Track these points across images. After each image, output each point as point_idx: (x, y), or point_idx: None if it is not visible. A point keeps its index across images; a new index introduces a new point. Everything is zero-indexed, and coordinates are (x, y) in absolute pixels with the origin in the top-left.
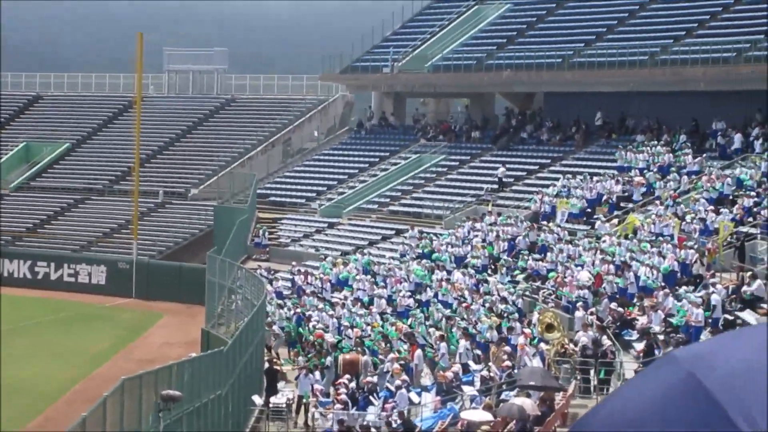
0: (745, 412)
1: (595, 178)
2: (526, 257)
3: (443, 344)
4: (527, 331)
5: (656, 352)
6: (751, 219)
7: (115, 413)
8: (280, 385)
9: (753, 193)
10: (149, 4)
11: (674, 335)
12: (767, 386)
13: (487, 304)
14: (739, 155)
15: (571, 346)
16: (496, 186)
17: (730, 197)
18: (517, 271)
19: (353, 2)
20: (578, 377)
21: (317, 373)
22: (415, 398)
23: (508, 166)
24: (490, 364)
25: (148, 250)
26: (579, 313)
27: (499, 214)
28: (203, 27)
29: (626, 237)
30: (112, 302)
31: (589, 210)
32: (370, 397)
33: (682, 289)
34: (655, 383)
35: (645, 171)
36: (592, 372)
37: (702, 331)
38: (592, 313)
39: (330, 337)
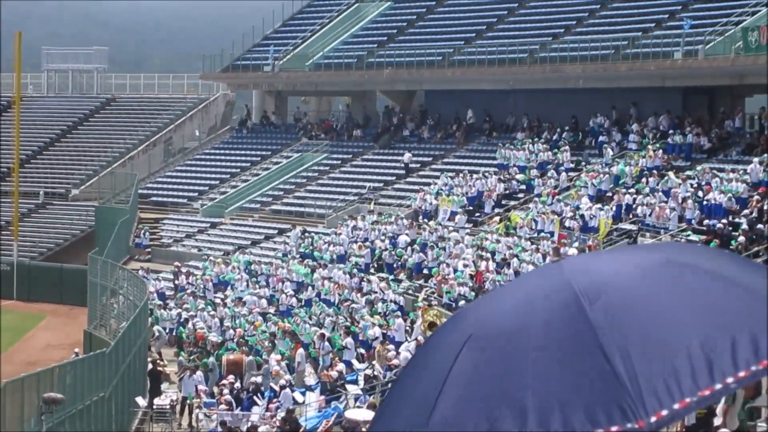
0: (621, 347)
1: (475, 176)
2: (407, 256)
3: (326, 343)
4: None
5: None
6: (630, 216)
7: None
8: (164, 386)
9: (633, 190)
10: (25, 3)
11: None
12: (646, 319)
13: (369, 303)
14: (617, 152)
15: None
16: (402, 171)
17: (609, 194)
18: (400, 270)
19: (233, 1)
20: None
21: (200, 374)
22: (299, 398)
23: (389, 164)
24: (374, 362)
25: (29, 251)
26: None
27: (380, 213)
28: (81, 26)
29: (507, 234)
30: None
31: (470, 208)
32: (255, 397)
33: None
34: (543, 299)
35: (525, 169)
36: None
37: None
38: None
39: (213, 337)
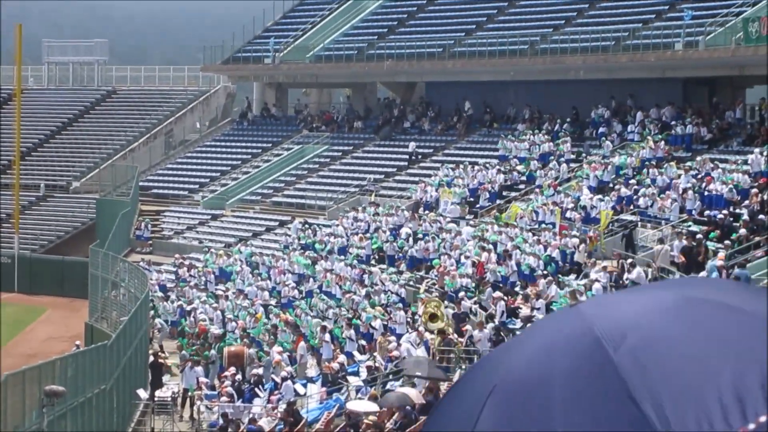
0: (651, 392)
1: (476, 167)
2: (408, 247)
3: (327, 335)
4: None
5: None
6: (631, 206)
7: None
8: (165, 378)
9: (633, 182)
10: None
11: None
12: (673, 361)
13: (370, 295)
14: (617, 143)
15: (456, 336)
16: (407, 161)
17: (610, 185)
18: (400, 261)
19: None
20: (463, 366)
21: (200, 368)
22: (300, 389)
23: (389, 156)
24: (375, 354)
25: (30, 244)
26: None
27: (377, 205)
28: (82, 18)
29: (507, 225)
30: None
31: (471, 199)
32: (256, 389)
33: (571, 277)
34: (565, 346)
35: (525, 160)
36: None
37: None
38: (475, 303)
39: (215, 330)
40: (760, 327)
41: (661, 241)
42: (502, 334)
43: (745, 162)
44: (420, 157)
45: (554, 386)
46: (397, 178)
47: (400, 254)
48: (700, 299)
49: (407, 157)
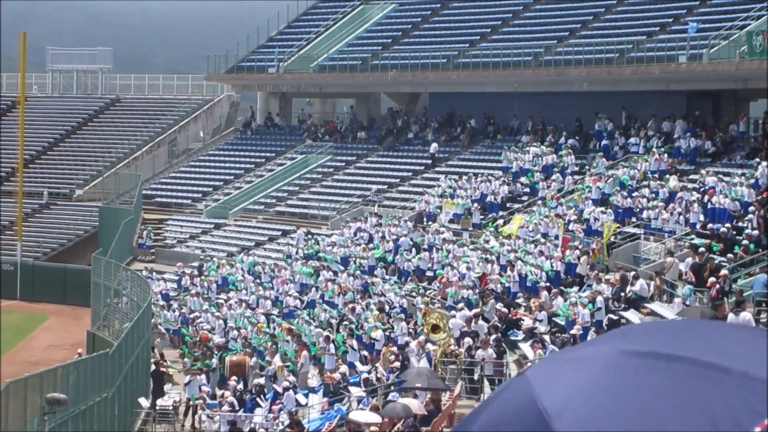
0: None
1: (479, 179)
2: (410, 258)
3: (331, 345)
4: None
5: (542, 351)
6: (633, 219)
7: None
8: (167, 387)
9: (636, 194)
10: (30, 3)
11: (560, 335)
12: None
13: (373, 305)
14: (621, 156)
15: (455, 347)
16: (429, 162)
17: (612, 198)
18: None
19: (238, 2)
20: (464, 377)
21: (203, 376)
22: (302, 399)
23: (393, 166)
24: (377, 365)
25: (33, 251)
26: (464, 313)
27: (379, 216)
28: (85, 26)
29: (508, 237)
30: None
31: (474, 209)
32: (258, 399)
33: (573, 289)
34: (510, 422)
35: (528, 172)
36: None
37: (588, 331)
38: (476, 315)
39: (217, 338)
40: (700, 374)
41: (670, 253)
42: (503, 345)
43: (751, 175)
44: (423, 168)
45: None
46: (400, 188)
47: (405, 266)
48: (634, 352)
49: (429, 158)
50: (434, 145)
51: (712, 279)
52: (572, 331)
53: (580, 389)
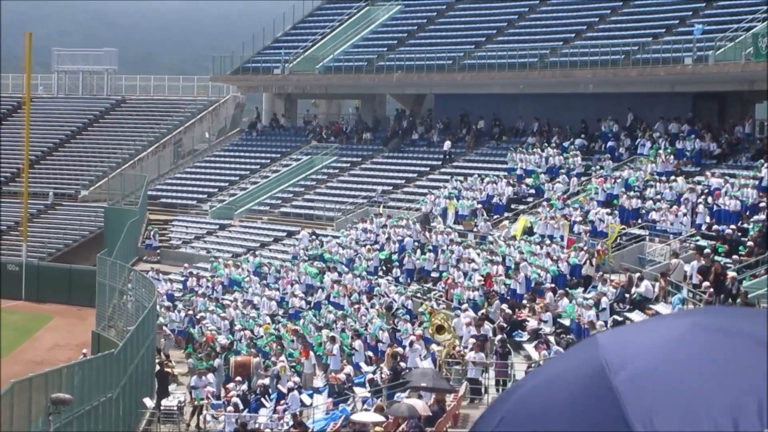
0: (645, 414)
1: (485, 180)
2: (415, 258)
3: (335, 346)
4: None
5: (547, 353)
6: (638, 220)
7: (4, 417)
8: (172, 387)
9: (643, 195)
10: (35, 2)
11: (564, 336)
12: (674, 386)
13: (378, 306)
14: (627, 157)
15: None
16: (441, 160)
17: (618, 199)
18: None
19: (243, 4)
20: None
21: (210, 376)
22: (306, 400)
23: (398, 167)
24: (382, 366)
25: (38, 252)
26: (468, 314)
27: (389, 216)
28: (91, 27)
29: (513, 238)
30: (1, 305)
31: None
32: (262, 399)
33: (579, 290)
34: (570, 374)
35: (533, 173)
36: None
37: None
38: (482, 315)
39: (222, 339)
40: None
41: (675, 254)
42: (508, 346)
43: (754, 177)
44: (428, 169)
45: (557, 415)
46: (405, 189)
47: (410, 266)
48: (709, 326)
49: (442, 156)
50: (447, 142)
51: (706, 284)
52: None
53: (646, 350)
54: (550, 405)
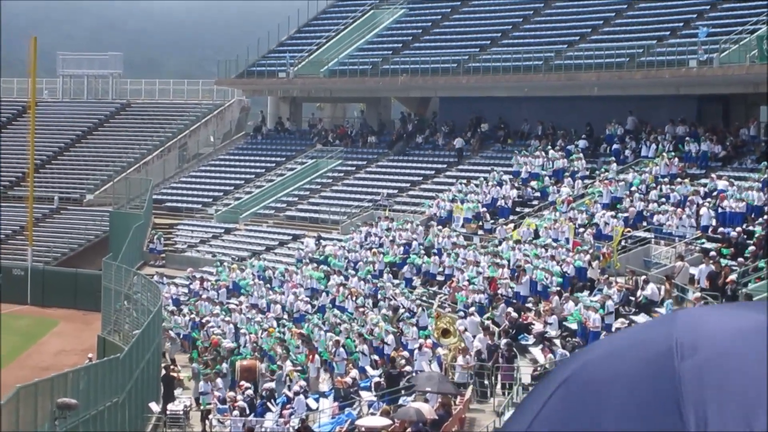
0: (700, 409)
1: (490, 183)
2: (421, 262)
3: (341, 349)
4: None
5: (552, 356)
6: (643, 223)
7: (10, 422)
8: (177, 391)
9: (647, 198)
10: (40, 6)
11: (570, 339)
12: (738, 383)
13: (383, 310)
14: (632, 160)
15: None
16: (456, 158)
17: (623, 202)
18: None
19: (248, 6)
20: (475, 381)
21: (219, 380)
22: (312, 404)
23: (403, 171)
24: (389, 369)
25: (44, 256)
26: (474, 319)
27: (392, 220)
28: (96, 31)
29: (518, 241)
30: (7, 309)
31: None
32: (268, 404)
33: (584, 294)
34: (641, 349)
35: (539, 176)
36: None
37: (599, 336)
38: (488, 318)
39: (228, 343)
40: None
41: (680, 257)
42: (514, 350)
43: (759, 179)
44: (434, 173)
45: (616, 387)
46: (410, 193)
47: (415, 270)
48: None
49: (455, 154)
50: (459, 140)
51: (697, 296)
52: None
53: (718, 338)
54: (615, 375)
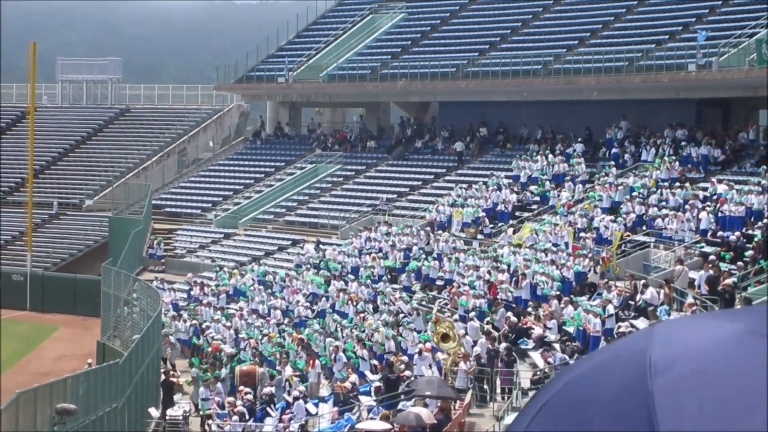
0: (675, 427)
1: (490, 188)
2: (421, 266)
3: (341, 354)
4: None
5: (550, 360)
6: (643, 227)
7: (10, 427)
8: (177, 397)
9: (647, 202)
10: (39, 12)
11: (570, 343)
12: (712, 397)
13: (383, 315)
14: (631, 164)
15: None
16: (454, 163)
17: (623, 206)
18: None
19: (247, 11)
20: (474, 385)
21: (219, 385)
22: (312, 409)
23: (403, 175)
24: (388, 374)
25: (43, 261)
26: (474, 324)
27: (390, 225)
28: (95, 36)
29: (519, 246)
30: (6, 315)
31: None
32: (268, 409)
33: (584, 297)
34: (618, 367)
35: (539, 180)
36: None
37: (599, 341)
38: (488, 322)
39: (228, 348)
40: None
41: (680, 261)
42: (513, 354)
43: (759, 183)
44: (433, 177)
45: (594, 409)
46: (409, 197)
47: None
48: (763, 333)
49: (454, 159)
50: (459, 143)
51: (689, 302)
52: None
53: (692, 351)
54: (595, 396)
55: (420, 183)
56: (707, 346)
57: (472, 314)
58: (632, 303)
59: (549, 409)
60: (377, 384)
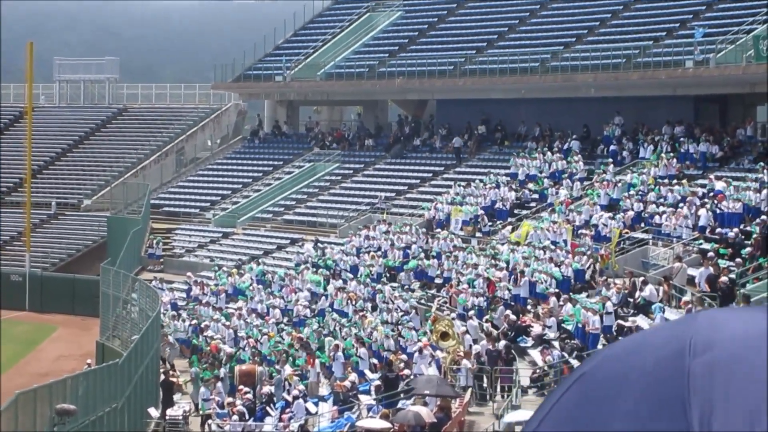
0: (707, 408)
1: (488, 185)
2: (420, 264)
3: (340, 353)
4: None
5: (549, 358)
6: (641, 224)
7: (9, 428)
8: (176, 396)
9: (645, 199)
10: (37, 12)
11: (569, 341)
12: (743, 383)
13: (383, 313)
14: (629, 161)
15: (463, 358)
16: (453, 161)
17: (621, 203)
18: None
19: (244, 10)
20: (474, 384)
21: (220, 385)
22: (312, 408)
23: (401, 173)
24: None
25: (41, 262)
26: (473, 322)
27: (389, 224)
28: (93, 36)
29: (517, 244)
30: (5, 315)
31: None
32: (267, 408)
33: (582, 295)
34: (657, 346)
35: (537, 178)
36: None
37: (598, 339)
38: (487, 321)
39: (227, 348)
40: None
41: (678, 258)
42: (512, 352)
43: (756, 179)
44: (431, 175)
45: (627, 385)
46: (408, 196)
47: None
48: None
49: (452, 156)
50: (457, 139)
51: (686, 300)
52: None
53: (732, 339)
54: (629, 371)
55: (418, 181)
56: (748, 336)
57: (471, 312)
58: (631, 300)
59: (582, 383)
60: (377, 383)
